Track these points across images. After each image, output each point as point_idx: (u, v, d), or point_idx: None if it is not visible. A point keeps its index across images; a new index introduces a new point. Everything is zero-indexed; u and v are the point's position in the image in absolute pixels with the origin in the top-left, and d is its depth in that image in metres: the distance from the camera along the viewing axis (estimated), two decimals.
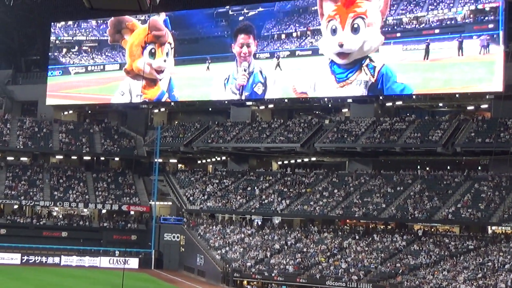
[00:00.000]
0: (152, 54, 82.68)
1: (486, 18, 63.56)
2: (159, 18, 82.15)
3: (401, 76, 66.77)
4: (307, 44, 74.74)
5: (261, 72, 75.80)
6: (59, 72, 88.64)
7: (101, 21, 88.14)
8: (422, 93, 68.09)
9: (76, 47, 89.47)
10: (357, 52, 68.85)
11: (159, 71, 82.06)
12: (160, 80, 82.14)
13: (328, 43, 70.91)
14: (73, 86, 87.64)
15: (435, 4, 66.73)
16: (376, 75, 67.96)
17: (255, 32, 77.20)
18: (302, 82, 72.89)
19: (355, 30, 68.76)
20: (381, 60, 67.95)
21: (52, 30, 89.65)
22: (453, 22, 65.68)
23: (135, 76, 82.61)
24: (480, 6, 63.80)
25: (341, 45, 69.58)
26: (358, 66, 68.91)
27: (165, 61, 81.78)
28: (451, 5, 65.75)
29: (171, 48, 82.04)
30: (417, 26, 67.21)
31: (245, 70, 76.66)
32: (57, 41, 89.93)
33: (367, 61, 68.33)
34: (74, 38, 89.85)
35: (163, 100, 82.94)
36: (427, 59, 65.74)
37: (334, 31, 70.13)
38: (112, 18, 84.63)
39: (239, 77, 76.90)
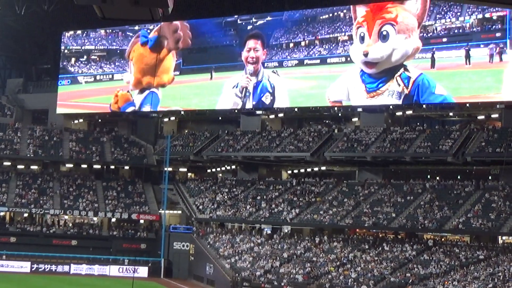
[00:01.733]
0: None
1: (494, 27, 63.61)
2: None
3: (440, 87, 64.75)
4: (315, 53, 74.78)
5: (269, 81, 75.73)
6: (68, 82, 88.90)
7: (110, 31, 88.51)
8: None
9: (85, 57, 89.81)
10: (385, 61, 67.06)
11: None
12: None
13: (357, 51, 69.50)
14: (82, 95, 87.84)
15: (442, 13, 66.63)
16: (411, 86, 65.70)
17: (264, 38, 77.16)
18: (335, 91, 71.81)
19: (383, 37, 66.93)
20: (418, 69, 66.08)
21: (61, 40, 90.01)
22: (460, 31, 65.63)
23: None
24: (487, 15, 63.76)
25: (365, 54, 68.08)
26: (390, 76, 66.93)
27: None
28: (459, 14, 65.72)
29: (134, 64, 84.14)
30: (424, 35, 67.00)
31: (251, 75, 76.68)
32: (66, 51, 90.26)
33: (401, 70, 66.31)
34: (83, 48, 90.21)
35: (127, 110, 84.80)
36: (433, 68, 65.57)
37: (362, 39, 68.75)
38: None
39: (243, 79, 76.88)
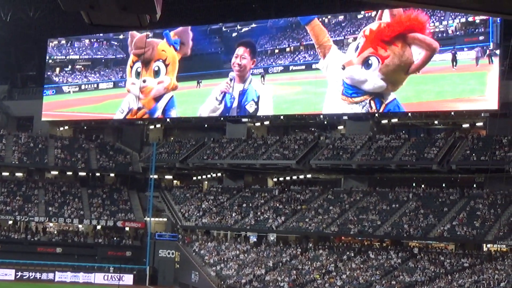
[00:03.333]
0: (138, 74, 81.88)
1: (477, 30, 64.19)
2: (143, 35, 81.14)
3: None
4: (300, 59, 75.06)
5: (255, 90, 75.86)
6: (53, 92, 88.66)
7: (94, 40, 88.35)
8: (416, 110, 68.46)
9: (70, 66, 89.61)
10: (358, 82, 68.59)
11: (143, 92, 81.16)
12: (142, 98, 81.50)
13: (347, 56, 70.56)
14: (68, 105, 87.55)
15: (426, 17, 67.03)
16: (382, 109, 68.18)
17: (254, 47, 77.19)
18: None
19: (367, 65, 68.04)
20: (393, 95, 67.41)
21: (47, 47, 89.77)
22: (444, 35, 66.12)
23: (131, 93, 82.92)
24: (470, 19, 64.31)
25: (343, 67, 69.64)
26: (366, 93, 68.44)
27: (144, 81, 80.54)
28: (442, 18, 66.16)
29: (166, 65, 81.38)
30: None
31: (231, 80, 76.85)
32: (50, 60, 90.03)
33: (376, 97, 68.08)
34: (67, 57, 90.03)
35: (155, 116, 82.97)
36: (418, 72, 65.99)
37: (356, 49, 69.50)
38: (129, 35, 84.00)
39: (223, 84, 77.07)
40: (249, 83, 76.48)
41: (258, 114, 76.34)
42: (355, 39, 70.35)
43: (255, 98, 75.68)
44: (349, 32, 71.63)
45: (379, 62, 67.31)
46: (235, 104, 77.04)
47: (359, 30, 70.76)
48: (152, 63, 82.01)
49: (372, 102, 67.95)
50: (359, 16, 71.51)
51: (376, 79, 67.39)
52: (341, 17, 72.66)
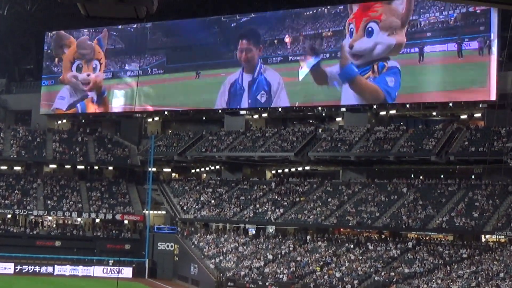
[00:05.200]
0: (79, 69, 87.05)
1: (477, 20, 64.19)
2: (86, 38, 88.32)
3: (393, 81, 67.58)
4: (299, 49, 74.98)
5: (265, 78, 75.57)
6: (52, 82, 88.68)
7: (93, 30, 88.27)
8: (416, 102, 68.53)
9: None
10: (368, 54, 69.15)
11: (85, 83, 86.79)
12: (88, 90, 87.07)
13: (346, 44, 71.34)
14: None
15: (426, 7, 67.19)
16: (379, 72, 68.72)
17: (256, 36, 77.03)
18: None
19: (368, 33, 69.20)
20: (396, 62, 68.05)
21: (45, 40, 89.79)
22: (444, 25, 66.17)
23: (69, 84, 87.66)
24: (471, 9, 64.35)
25: (351, 47, 70.36)
26: (371, 66, 69.10)
27: (88, 75, 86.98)
28: (442, 8, 66.20)
29: (100, 64, 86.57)
30: (409, 29, 67.58)
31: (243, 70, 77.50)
32: (49, 51, 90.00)
33: (381, 61, 68.66)
34: None
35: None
36: (422, 61, 66.14)
37: (351, 33, 70.58)
38: (55, 35, 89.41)
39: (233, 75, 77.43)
40: (259, 71, 76.03)
41: (273, 105, 76.02)
42: (333, 32, 72.87)
43: (266, 87, 75.34)
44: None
45: (377, 23, 68.66)
46: (245, 94, 76.71)
47: (328, 23, 73.69)
48: (92, 62, 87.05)
49: (376, 67, 68.40)
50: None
51: (384, 38, 68.54)
52: (340, 8, 72.85)
